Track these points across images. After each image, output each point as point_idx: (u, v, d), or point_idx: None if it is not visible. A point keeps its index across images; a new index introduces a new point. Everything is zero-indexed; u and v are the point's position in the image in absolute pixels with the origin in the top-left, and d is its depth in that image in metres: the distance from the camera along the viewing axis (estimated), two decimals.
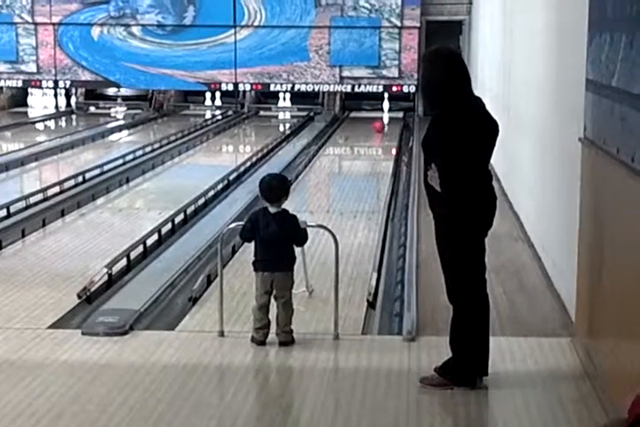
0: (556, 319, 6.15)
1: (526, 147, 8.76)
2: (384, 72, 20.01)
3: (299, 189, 11.26)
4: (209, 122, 18.70)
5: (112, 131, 17.47)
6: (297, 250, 5.58)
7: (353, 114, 20.14)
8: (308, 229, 5.64)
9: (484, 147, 4.84)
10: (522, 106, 9.42)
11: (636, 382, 4.02)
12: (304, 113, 19.94)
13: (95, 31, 20.06)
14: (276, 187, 5.46)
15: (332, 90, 20.25)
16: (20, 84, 20.37)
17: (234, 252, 7.81)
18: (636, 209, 4.20)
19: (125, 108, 20.58)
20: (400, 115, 19.86)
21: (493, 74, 13.31)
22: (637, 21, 4.22)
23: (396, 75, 20.00)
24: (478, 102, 5.04)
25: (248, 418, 4.58)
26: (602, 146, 4.89)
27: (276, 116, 20.09)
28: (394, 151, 14.99)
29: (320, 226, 6.08)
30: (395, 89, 20.11)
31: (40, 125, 18.90)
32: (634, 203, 4.24)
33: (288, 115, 20.04)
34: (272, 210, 5.44)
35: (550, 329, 5.93)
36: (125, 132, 17.74)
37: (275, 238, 5.39)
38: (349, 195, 11.18)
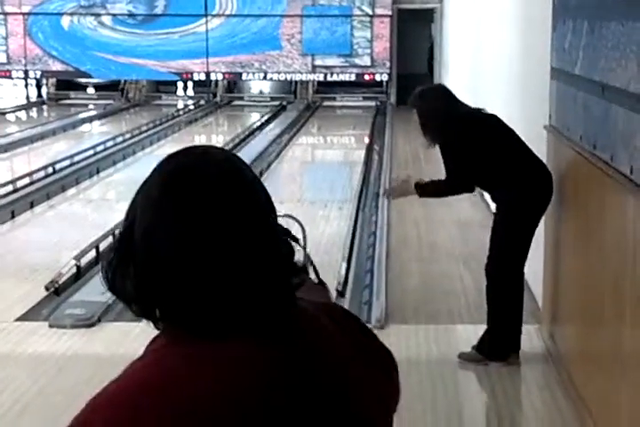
0: (524, 307, 6.17)
1: None
2: (356, 60, 19.99)
3: (270, 179, 11.24)
4: (181, 112, 18.62)
5: (83, 121, 17.38)
6: None
7: (326, 103, 20.12)
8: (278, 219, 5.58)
9: (497, 141, 5.08)
10: (489, 94, 9.44)
11: (596, 368, 4.05)
12: (277, 102, 19.90)
13: (65, 21, 19.92)
14: None
15: (304, 79, 20.21)
16: None
17: None
18: (597, 196, 4.23)
19: (97, 98, 20.45)
20: (372, 103, 19.86)
21: (464, 62, 13.33)
22: (598, 8, 4.23)
23: (369, 63, 19.98)
24: (467, 111, 5.24)
25: None
26: (565, 134, 4.92)
27: (249, 106, 20.04)
28: (366, 140, 14.99)
29: (287, 215, 6.05)
30: (367, 77, 20.09)
31: (11, 116, 18.77)
32: (595, 190, 4.26)
33: (262, 104, 19.99)
34: None
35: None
36: (97, 122, 17.65)
37: None
38: (321, 184, 11.18)
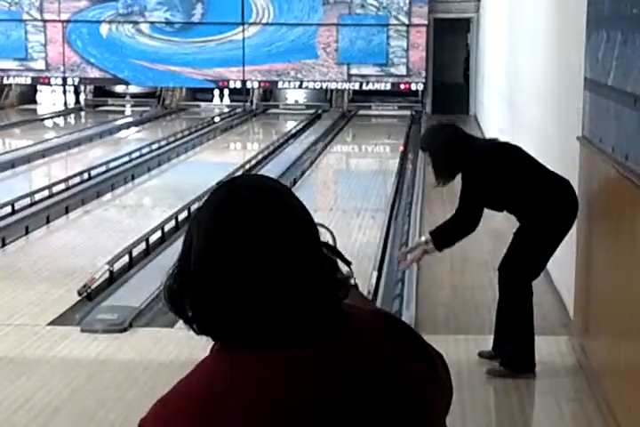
0: (555, 317, 6.15)
1: (527, 145, 8.75)
2: (392, 70, 20.01)
3: (304, 187, 11.28)
4: (217, 119, 18.72)
5: (120, 128, 17.51)
6: None
7: (361, 111, 20.15)
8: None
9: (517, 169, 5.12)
10: (525, 104, 9.41)
11: (628, 381, 4.03)
12: (312, 111, 19.95)
13: (104, 28, 20.11)
14: None
15: (339, 87, 20.25)
16: (28, 81, 20.42)
17: None
18: (629, 208, 4.21)
19: (133, 105, 20.59)
20: (407, 113, 19.86)
21: (500, 72, 13.30)
22: (632, 20, 4.22)
23: (404, 72, 19.99)
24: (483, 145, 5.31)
25: None
26: (598, 145, 4.90)
27: (284, 114, 20.11)
28: (401, 149, 15.00)
29: (318, 224, 6.09)
30: (403, 87, 20.10)
31: (49, 122, 18.95)
32: (627, 202, 4.25)
33: (296, 113, 20.05)
34: None
35: (549, 327, 5.91)
36: (133, 129, 17.77)
37: None
38: (354, 193, 11.18)
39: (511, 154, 5.24)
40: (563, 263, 6.34)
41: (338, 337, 1.41)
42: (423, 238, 5.28)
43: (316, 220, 1.51)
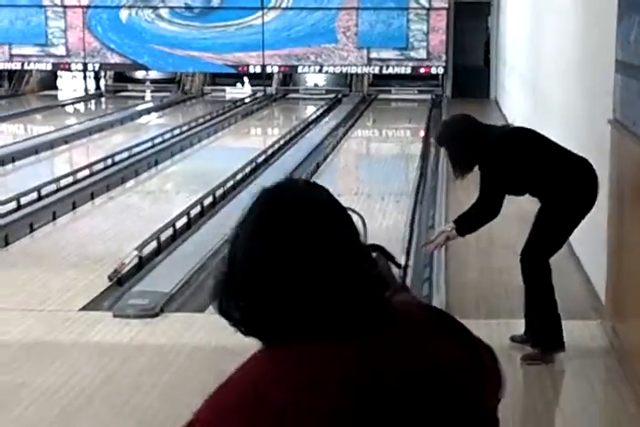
0: (585, 301, 6.14)
1: (554, 129, 8.72)
2: (412, 54, 19.94)
3: (327, 172, 11.28)
4: (237, 104, 18.71)
5: (141, 113, 17.53)
6: None
7: (381, 95, 20.09)
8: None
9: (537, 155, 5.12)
10: (550, 88, 9.37)
11: None
12: (332, 95, 19.92)
13: (123, 14, 20.10)
14: None
15: (359, 72, 20.20)
16: (49, 67, 20.45)
17: None
18: None
19: (153, 91, 20.60)
20: (427, 97, 19.80)
21: (522, 55, 13.24)
22: None
23: (425, 56, 19.92)
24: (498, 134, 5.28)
25: None
26: (631, 128, 4.88)
27: (304, 99, 20.08)
28: (422, 133, 14.97)
29: (347, 208, 6.10)
30: (423, 71, 20.03)
31: (69, 108, 18.99)
32: None
33: (316, 97, 20.01)
34: None
35: (579, 311, 5.91)
36: (154, 114, 17.78)
37: None
38: (377, 177, 11.17)
39: (527, 138, 5.26)
40: (591, 247, 6.33)
41: (384, 331, 1.44)
42: (445, 227, 5.33)
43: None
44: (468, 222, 5.19)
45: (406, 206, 9.10)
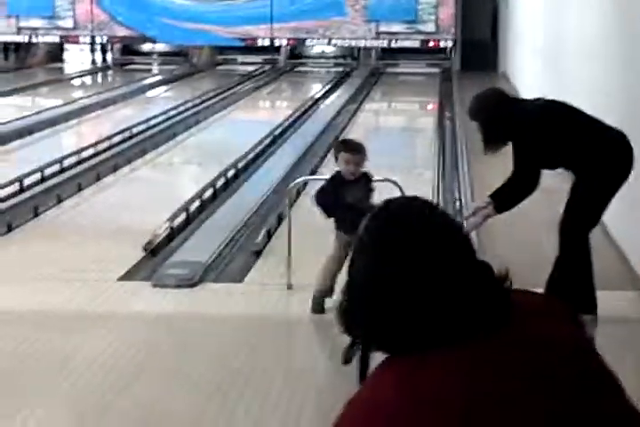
0: (618, 272, 6.17)
1: (580, 100, 8.71)
2: (421, 27, 19.89)
3: None
4: (245, 78, 18.67)
5: (150, 86, 17.48)
6: None
7: (389, 69, 20.06)
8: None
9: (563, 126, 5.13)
10: (576, 60, 9.34)
11: None
12: (340, 69, 19.88)
13: None
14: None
15: (368, 45, 20.16)
16: (56, 39, 20.39)
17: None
18: None
19: (161, 64, 20.53)
20: (436, 70, 19.77)
21: (539, 27, 13.19)
22: None
23: (433, 30, 19.87)
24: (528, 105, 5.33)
25: (325, 369, 4.68)
26: None
27: (313, 72, 20.03)
28: (430, 107, 15.00)
29: (387, 179, 6.13)
30: (432, 44, 19.99)
31: (77, 81, 18.95)
32: None
33: (325, 69, 19.97)
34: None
35: (615, 282, 5.94)
36: (163, 87, 17.74)
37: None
38: (396, 151, 11.18)
39: (561, 111, 5.24)
40: (624, 218, 6.36)
41: (510, 327, 1.50)
42: (480, 203, 5.31)
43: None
44: (506, 198, 5.18)
45: (429, 179, 9.12)
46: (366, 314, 1.50)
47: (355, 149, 5.34)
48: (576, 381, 1.48)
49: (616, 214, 6.87)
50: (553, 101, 5.40)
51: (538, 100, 5.47)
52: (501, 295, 1.52)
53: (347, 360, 1.72)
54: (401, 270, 1.48)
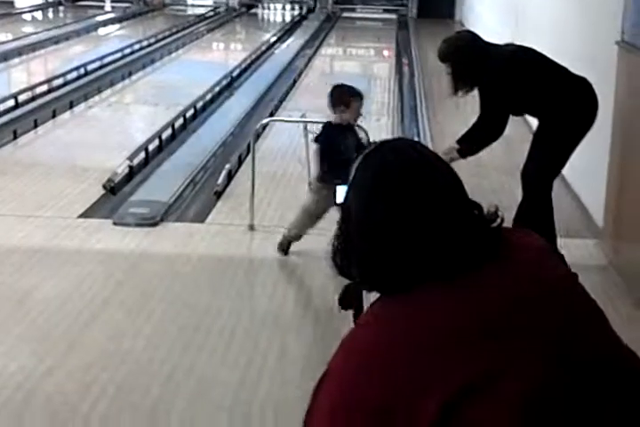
0: (578, 221, 6.24)
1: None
2: None
3: (301, 90, 11.22)
4: (199, 18, 18.40)
5: (104, 24, 17.16)
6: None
7: (345, 14, 19.88)
8: None
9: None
10: (538, 10, 9.33)
11: None
12: (297, 12, 19.67)
13: None
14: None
15: None
16: None
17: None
18: None
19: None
20: (393, 16, 19.64)
21: None
22: None
23: None
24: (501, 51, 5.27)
25: (290, 310, 4.69)
26: None
27: (268, 15, 19.80)
28: (386, 53, 14.96)
29: (355, 125, 6.12)
30: None
31: (27, 16, 18.54)
32: None
33: (280, 13, 19.75)
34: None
35: (573, 231, 6.01)
36: (116, 25, 17.42)
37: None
38: None
39: (532, 57, 5.25)
40: (586, 170, 6.42)
41: (497, 262, 1.52)
42: (447, 149, 5.31)
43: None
44: (472, 144, 5.18)
45: (385, 125, 9.12)
46: (360, 252, 1.52)
47: (361, 96, 5.18)
48: (562, 315, 1.50)
49: (575, 165, 6.94)
50: (523, 47, 5.39)
51: (508, 45, 5.45)
52: (490, 233, 1.54)
53: (344, 306, 1.73)
54: (394, 208, 1.50)
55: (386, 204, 1.51)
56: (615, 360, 1.52)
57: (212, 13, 19.28)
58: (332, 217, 6.03)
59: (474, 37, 5.30)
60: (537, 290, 1.50)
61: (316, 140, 5.14)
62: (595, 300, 1.58)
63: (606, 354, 1.51)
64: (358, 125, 5.97)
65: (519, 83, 5.10)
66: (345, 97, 5.14)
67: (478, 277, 1.49)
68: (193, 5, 20.14)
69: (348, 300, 1.58)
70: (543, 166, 5.20)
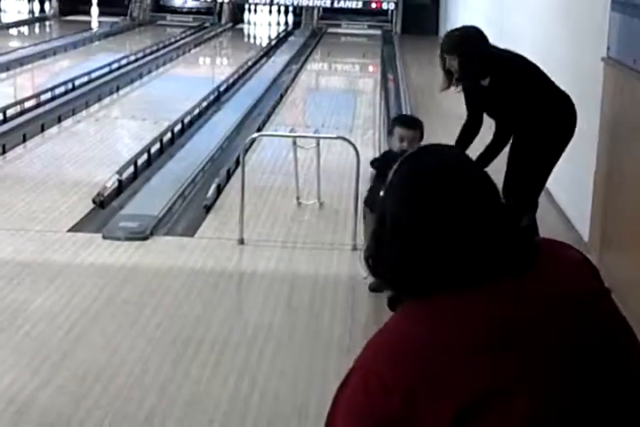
0: (563, 235, 6.29)
1: None
2: None
3: (288, 105, 11.27)
4: (185, 34, 18.44)
5: (91, 39, 17.18)
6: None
7: (330, 30, 19.98)
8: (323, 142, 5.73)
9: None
10: (522, 27, 9.41)
11: None
12: (282, 27, 19.75)
13: None
14: None
15: (311, 4, 20.04)
16: None
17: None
18: None
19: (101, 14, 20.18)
20: (377, 32, 19.75)
21: None
22: None
23: None
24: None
25: (280, 323, 4.72)
26: (632, 66, 4.98)
27: (255, 30, 19.87)
28: (371, 69, 15.04)
29: (341, 137, 6.18)
30: (374, 6, 19.95)
31: (14, 31, 18.56)
32: None
33: (266, 29, 19.83)
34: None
35: None
36: (104, 41, 17.44)
37: None
38: (338, 110, 11.17)
39: (528, 63, 5.30)
40: (571, 184, 6.48)
41: (534, 267, 1.54)
42: None
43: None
44: (465, 144, 5.26)
45: (371, 138, 9.19)
46: (392, 255, 1.54)
47: (408, 124, 5.05)
48: (582, 331, 1.51)
49: (560, 179, 7.00)
50: (518, 54, 5.39)
51: (507, 51, 5.44)
52: (525, 240, 1.56)
53: (394, 308, 1.74)
54: (428, 211, 1.52)
55: (420, 207, 1.53)
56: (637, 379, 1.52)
57: (197, 29, 19.32)
58: (318, 232, 6.09)
59: (482, 32, 5.30)
60: (561, 305, 1.52)
61: (372, 164, 5.19)
62: (624, 316, 1.59)
63: (630, 372, 1.52)
64: (346, 139, 6.05)
65: (518, 83, 5.13)
66: (392, 125, 5.19)
67: (508, 287, 1.50)
68: (180, 20, 20.17)
69: (400, 302, 1.59)
70: (527, 183, 5.23)
